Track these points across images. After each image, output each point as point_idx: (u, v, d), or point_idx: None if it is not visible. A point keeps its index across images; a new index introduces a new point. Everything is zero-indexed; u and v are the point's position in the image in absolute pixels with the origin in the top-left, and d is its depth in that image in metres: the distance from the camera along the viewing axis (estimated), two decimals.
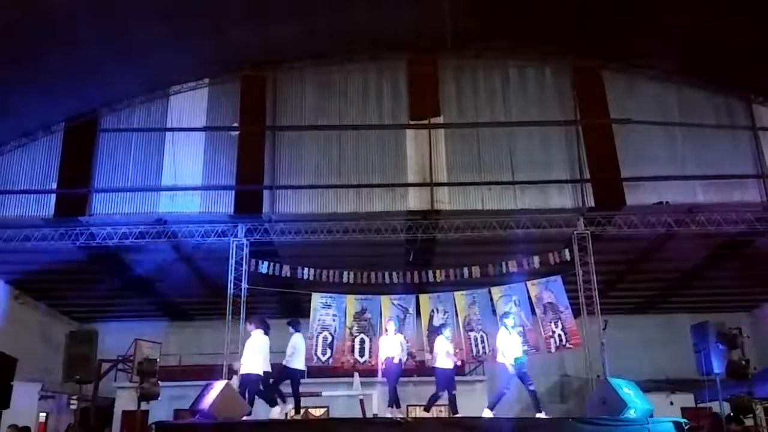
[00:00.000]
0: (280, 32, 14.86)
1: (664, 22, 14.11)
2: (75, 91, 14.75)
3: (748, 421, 10.79)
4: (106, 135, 15.42)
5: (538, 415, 9.63)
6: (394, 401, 10.36)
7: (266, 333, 10.20)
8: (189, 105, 15.68)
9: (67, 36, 12.94)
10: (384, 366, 10.64)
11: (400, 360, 10.72)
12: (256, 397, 9.93)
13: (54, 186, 14.99)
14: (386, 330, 11.14)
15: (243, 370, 9.88)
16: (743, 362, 10.85)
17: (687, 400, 18.32)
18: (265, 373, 10.02)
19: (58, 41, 12.97)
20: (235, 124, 15.59)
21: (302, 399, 10.54)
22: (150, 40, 13.88)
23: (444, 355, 10.44)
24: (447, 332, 10.87)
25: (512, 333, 10.28)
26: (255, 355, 9.87)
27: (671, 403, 18.13)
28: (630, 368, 15.68)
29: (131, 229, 14.55)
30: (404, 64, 15.95)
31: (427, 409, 10.49)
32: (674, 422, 8.53)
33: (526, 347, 12.63)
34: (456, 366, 10.91)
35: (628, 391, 8.97)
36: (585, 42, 15.26)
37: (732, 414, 10.82)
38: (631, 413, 8.57)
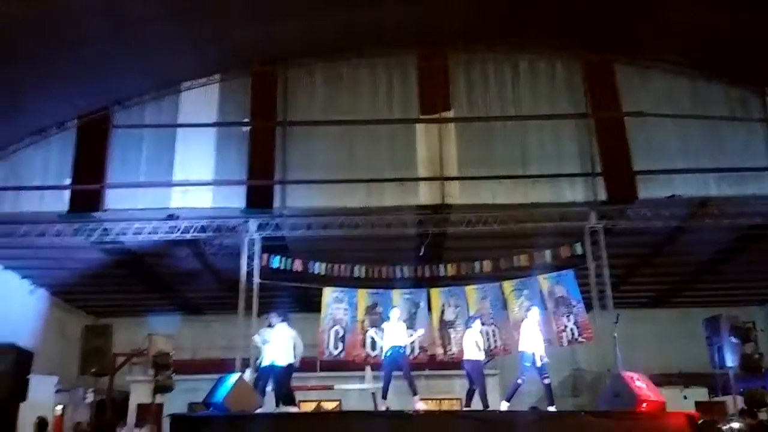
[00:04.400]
0: (288, 28, 14.83)
1: (677, 14, 13.97)
2: (86, 89, 14.83)
3: (762, 415, 10.76)
4: (119, 131, 15.51)
5: (549, 409, 9.63)
6: (386, 391, 10.35)
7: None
8: (200, 101, 15.69)
9: (77, 35, 13.00)
10: (391, 354, 10.51)
11: (404, 348, 10.73)
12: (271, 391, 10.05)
13: (68, 182, 15.13)
14: (389, 317, 11.10)
15: (277, 362, 9.97)
16: (757, 356, 10.83)
17: (701, 393, 18.26)
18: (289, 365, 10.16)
19: (69, 40, 13.04)
20: (246, 120, 15.63)
21: (315, 392, 10.67)
22: (159, 38, 13.91)
23: (473, 347, 10.28)
24: (477, 324, 10.69)
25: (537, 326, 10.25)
26: (284, 347, 9.99)
27: (685, 397, 18.06)
28: (643, 362, 15.62)
29: (144, 224, 14.66)
30: (414, 59, 15.87)
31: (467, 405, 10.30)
32: (687, 415, 8.54)
33: None
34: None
35: (640, 384, 8.97)
36: (596, 35, 15.14)
37: (746, 408, 10.80)
38: (644, 407, 8.58)
